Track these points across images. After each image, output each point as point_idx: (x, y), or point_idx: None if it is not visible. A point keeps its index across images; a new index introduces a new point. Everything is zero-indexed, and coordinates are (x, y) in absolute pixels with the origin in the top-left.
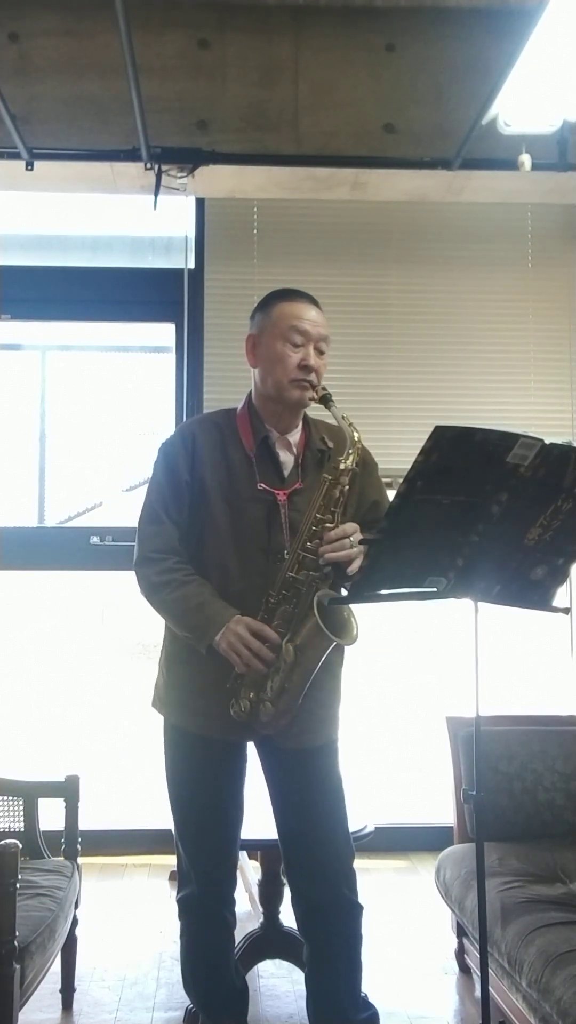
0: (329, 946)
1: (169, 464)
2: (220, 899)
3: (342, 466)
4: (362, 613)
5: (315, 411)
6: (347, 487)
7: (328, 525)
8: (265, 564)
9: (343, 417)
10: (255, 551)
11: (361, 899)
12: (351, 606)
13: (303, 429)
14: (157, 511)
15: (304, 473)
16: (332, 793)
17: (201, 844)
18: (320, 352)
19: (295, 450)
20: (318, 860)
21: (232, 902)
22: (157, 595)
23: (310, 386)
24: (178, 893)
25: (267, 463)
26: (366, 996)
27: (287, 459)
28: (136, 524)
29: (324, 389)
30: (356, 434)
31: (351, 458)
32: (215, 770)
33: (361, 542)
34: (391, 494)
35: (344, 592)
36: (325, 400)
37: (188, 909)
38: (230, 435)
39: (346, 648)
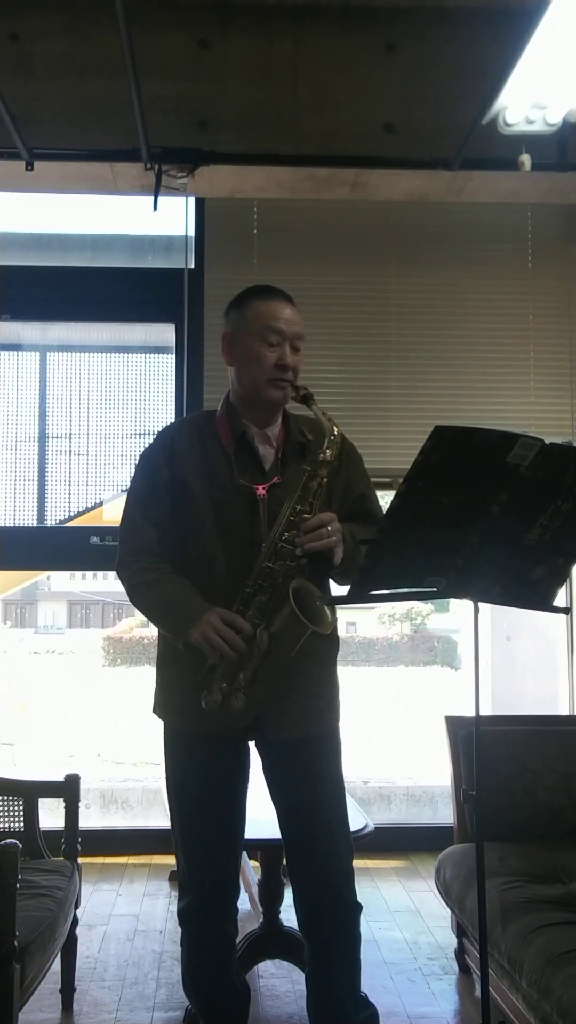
0: (331, 947)
1: (148, 468)
2: (220, 909)
3: (320, 457)
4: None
5: (296, 406)
6: (325, 479)
7: (306, 516)
8: (251, 557)
9: (323, 412)
10: (240, 545)
11: (361, 899)
12: (324, 591)
13: (283, 424)
14: (132, 515)
15: (284, 467)
16: (332, 782)
17: (201, 848)
18: (296, 349)
19: (275, 444)
20: (320, 862)
21: (234, 911)
22: (137, 595)
23: (288, 384)
24: (178, 903)
25: (246, 458)
26: (365, 995)
27: (267, 453)
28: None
29: (305, 388)
30: (335, 428)
31: (329, 451)
32: (215, 769)
33: (361, 542)
34: (391, 494)
35: (341, 587)
36: (306, 399)
37: (187, 921)
38: (209, 434)
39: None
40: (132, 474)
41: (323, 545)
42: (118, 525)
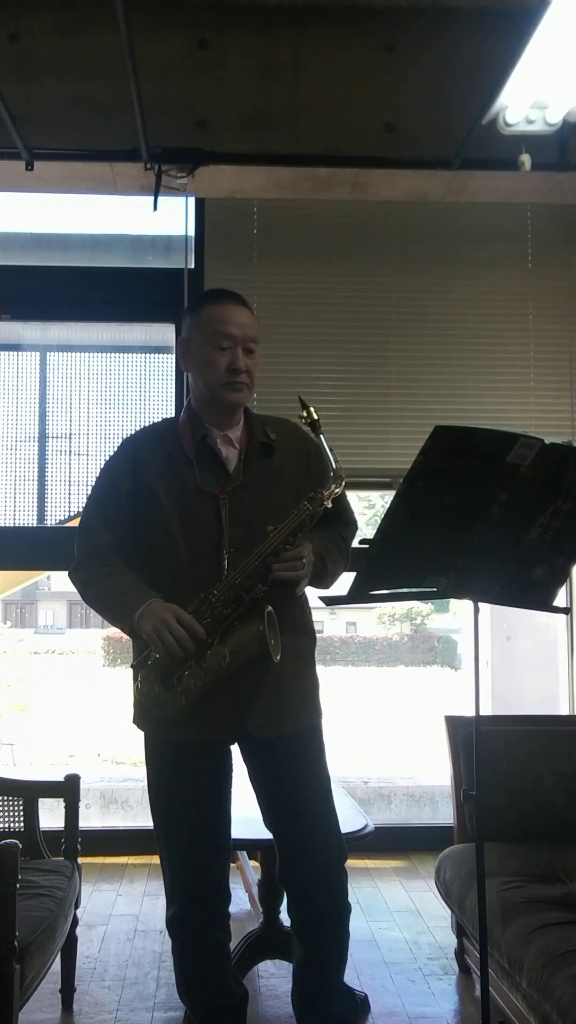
0: (320, 948)
1: (110, 476)
2: (209, 918)
3: (324, 493)
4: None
5: (261, 406)
6: (319, 516)
7: (288, 546)
8: (217, 561)
9: (330, 450)
10: (206, 548)
11: (361, 899)
12: (273, 625)
13: (245, 424)
14: (90, 521)
15: (247, 467)
16: (316, 780)
17: (185, 858)
18: (249, 351)
19: (237, 445)
20: (310, 863)
21: (224, 918)
22: (88, 593)
23: (243, 386)
24: (166, 913)
25: (209, 461)
26: (348, 990)
27: (230, 454)
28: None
29: (314, 415)
30: (343, 476)
31: (334, 491)
32: (197, 777)
33: (361, 541)
34: (391, 494)
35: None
36: (313, 427)
37: (176, 931)
38: (171, 440)
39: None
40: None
41: (292, 576)
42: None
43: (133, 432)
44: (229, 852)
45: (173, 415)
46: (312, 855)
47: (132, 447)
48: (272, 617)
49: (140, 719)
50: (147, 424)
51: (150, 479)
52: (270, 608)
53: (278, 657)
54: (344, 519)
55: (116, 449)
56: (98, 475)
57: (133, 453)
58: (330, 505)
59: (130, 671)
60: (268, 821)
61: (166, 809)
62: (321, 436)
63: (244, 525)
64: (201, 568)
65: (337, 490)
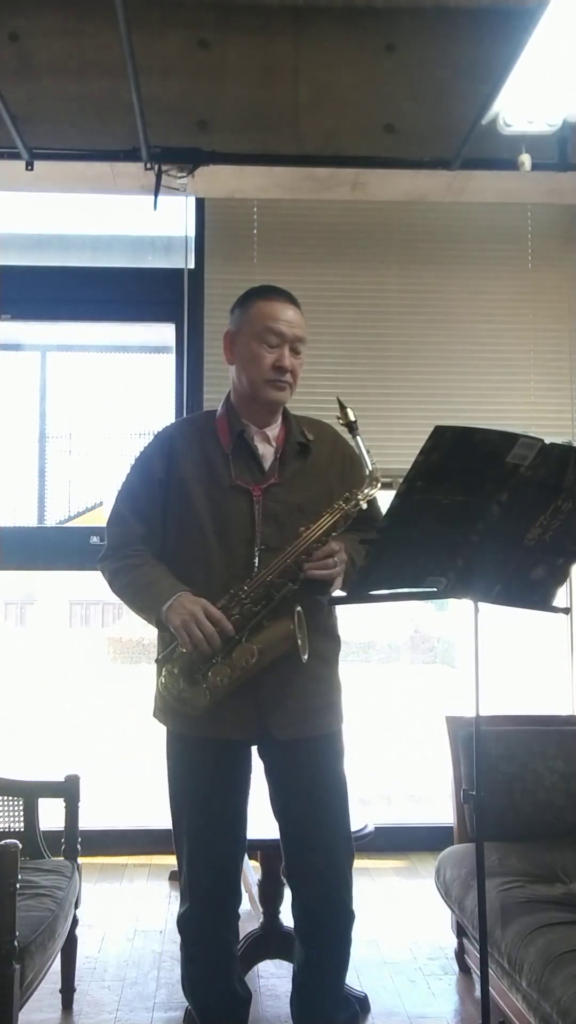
0: (320, 950)
1: (143, 466)
2: (221, 917)
3: (360, 494)
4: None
5: (296, 406)
6: (352, 517)
7: (320, 545)
8: (248, 557)
9: (367, 451)
10: (238, 543)
11: (361, 899)
12: (301, 624)
13: (283, 423)
14: (122, 511)
15: (283, 466)
16: (333, 785)
17: (203, 855)
18: (296, 352)
19: (274, 443)
20: (319, 867)
21: (235, 919)
22: (116, 582)
23: (287, 386)
24: (179, 910)
25: (245, 458)
26: (347, 995)
27: (266, 452)
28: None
29: (351, 416)
30: (378, 476)
31: (371, 491)
32: (218, 775)
33: (361, 542)
34: (391, 494)
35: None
36: (350, 427)
37: (187, 928)
38: (208, 434)
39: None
40: (128, 471)
41: (324, 575)
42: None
43: (169, 423)
44: (244, 853)
45: (173, 415)
46: (320, 855)
47: (167, 438)
48: (302, 616)
49: (161, 713)
50: (183, 417)
51: (184, 471)
52: (300, 607)
53: (306, 657)
54: (377, 522)
55: (152, 439)
56: (132, 464)
57: (169, 444)
58: (364, 506)
59: (131, 671)
60: (279, 818)
61: (183, 806)
62: (358, 437)
63: (276, 523)
64: (231, 564)
65: (372, 492)
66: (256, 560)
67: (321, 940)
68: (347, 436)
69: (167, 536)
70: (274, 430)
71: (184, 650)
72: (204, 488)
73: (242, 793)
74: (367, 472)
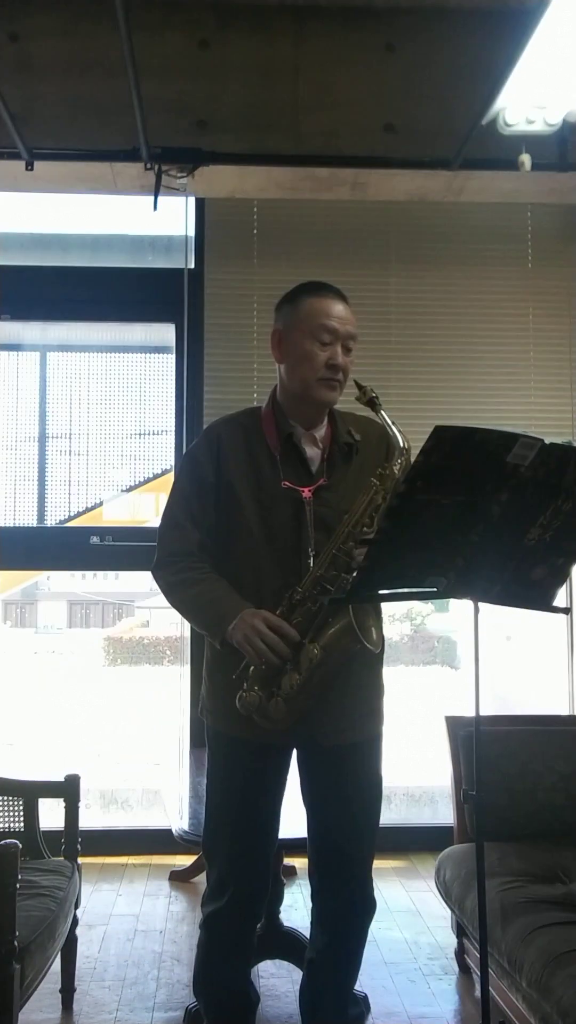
0: (345, 941)
1: (194, 468)
2: (250, 915)
3: (388, 471)
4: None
5: (341, 404)
6: (388, 493)
7: (366, 529)
8: (297, 562)
9: (393, 423)
10: (287, 549)
11: None
12: (377, 614)
13: (329, 423)
14: (177, 516)
15: (331, 468)
16: (371, 789)
17: (238, 854)
18: (347, 350)
19: (321, 445)
20: (352, 862)
21: (260, 918)
22: (174, 595)
23: (338, 384)
24: (205, 906)
25: (293, 460)
26: (355, 993)
27: (314, 454)
28: (149, 525)
29: (372, 391)
30: (405, 442)
31: (399, 464)
32: (258, 776)
33: (362, 542)
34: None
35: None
36: (372, 403)
37: (215, 925)
38: (255, 434)
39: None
40: (176, 471)
41: None
42: (118, 525)
43: (215, 420)
44: (273, 849)
45: (173, 415)
46: (354, 851)
47: (216, 437)
48: (359, 608)
49: (208, 713)
50: (230, 414)
51: (232, 474)
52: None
53: (378, 649)
54: None
55: (199, 438)
56: (181, 465)
57: (218, 443)
58: (397, 472)
59: (131, 671)
60: (312, 813)
61: (223, 800)
62: (383, 412)
63: (326, 527)
64: (283, 570)
65: (402, 461)
66: (311, 563)
67: (347, 929)
68: (371, 415)
69: (217, 540)
70: (320, 431)
71: (253, 666)
72: (253, 492)
73: (279, 794)
74: (399, 448)
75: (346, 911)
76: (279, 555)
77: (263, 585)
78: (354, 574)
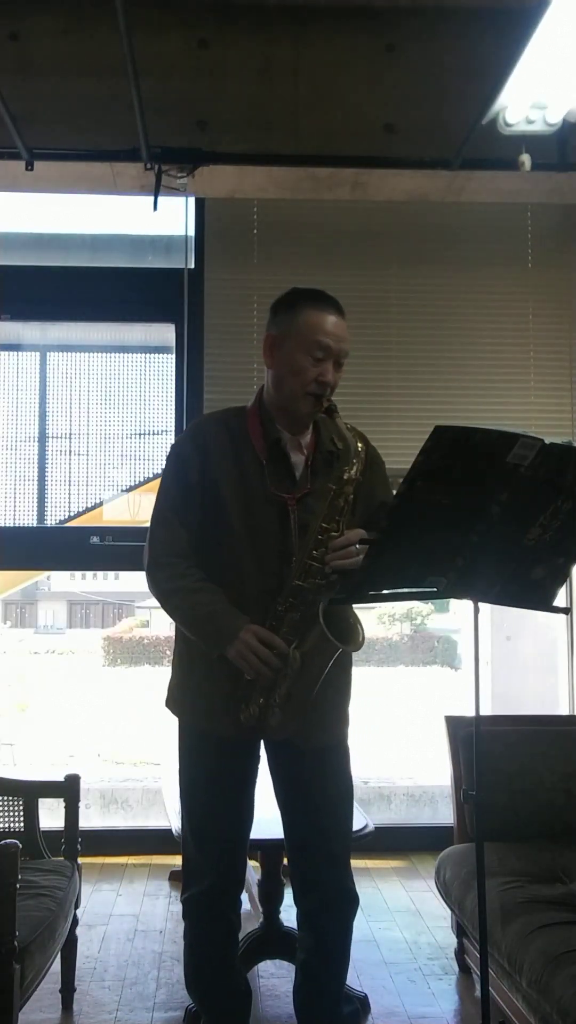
0: (330, 938)
1: (179, 466)
2: (227, 901)
3: (346, 476)
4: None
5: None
6: (351, 496)
7: (333, 534)
8: (281, 567)
9: (348, 427)
10: (270, 554)
11: (362, 899)
12: (357, 614)
13: (313, 431)
14: (166, 514)
15: (314, 476)
16: (341, 792)
17: (212, 844)
18: (339, 366)
19: (305, 452)
20: (328, 861)
21: (239, 904)
22: (168, 601)
23: (324, 400)
24: (183, 893)
25: (279, 466)
26: (353, 992)
27: (298, 461)
28: (148, 525)
29: (329, 401)
30: (360, 444)
31: (355, 468)
32: (228, 769)
33: (362, 542)
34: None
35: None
36: (330, 411)
37: (193, 910)
38: (240, 436)
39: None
40: (164, 467)
41: (351, 564)
42: (118, 525)
43: (200, 417)
44: (248, 838)
45: (173, 415)
46: (328, 849)
47: (201, 435)
48: (330, 611)
49: (174, 704)
50: (216, 411)
51: (216, 474)
52: (324, 604)
53: (352, 647)
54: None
55: (184, 434)
56: (166, 463)
57: (203, 442)
58: (355, 475)
59: (131, 671)
60: (285, 811)
61: (193, 791)
62: (337, 419)
63: (305, 533)
64: (264, 574)
65: (354, 471)
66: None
67: (330, 926)
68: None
69: (201, 539)
70: (305, 438)
71: (249, 678)
72: (237, 495)
73: (251, 783)
74: (354, 456)
75: (327, 908)
76: (262, 559)
77: (245, 587)
78: (331, 578)
